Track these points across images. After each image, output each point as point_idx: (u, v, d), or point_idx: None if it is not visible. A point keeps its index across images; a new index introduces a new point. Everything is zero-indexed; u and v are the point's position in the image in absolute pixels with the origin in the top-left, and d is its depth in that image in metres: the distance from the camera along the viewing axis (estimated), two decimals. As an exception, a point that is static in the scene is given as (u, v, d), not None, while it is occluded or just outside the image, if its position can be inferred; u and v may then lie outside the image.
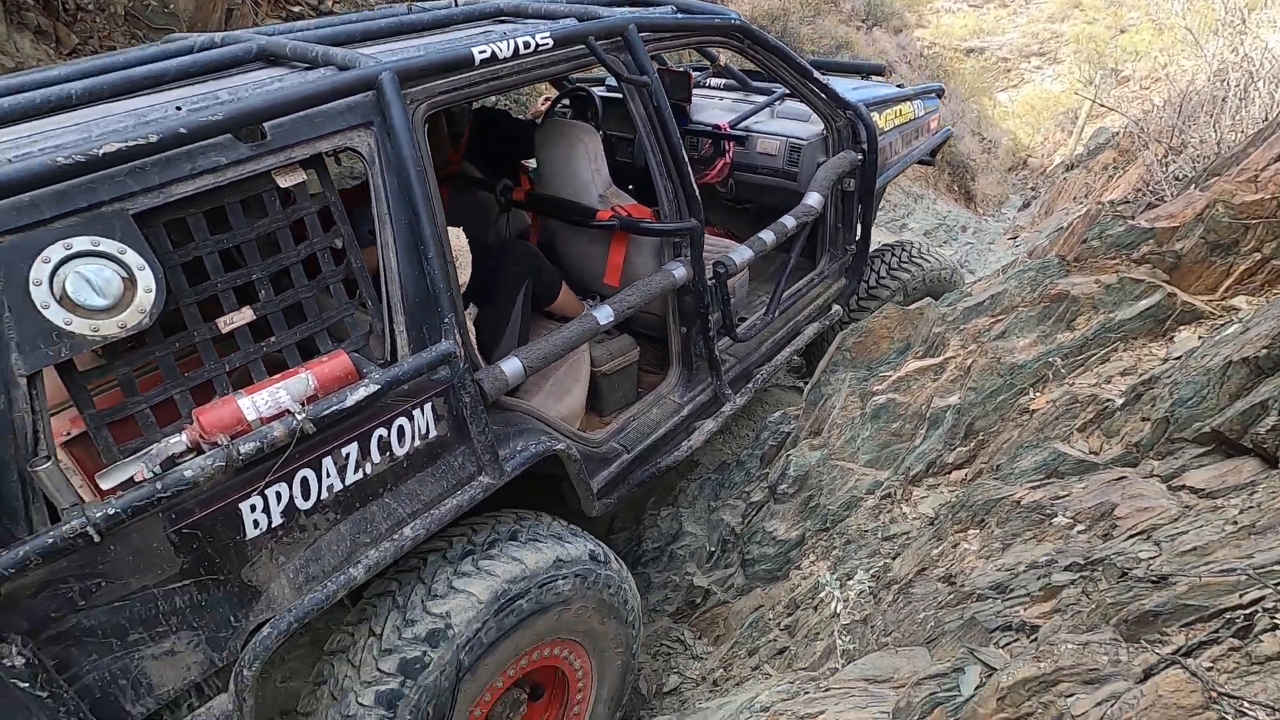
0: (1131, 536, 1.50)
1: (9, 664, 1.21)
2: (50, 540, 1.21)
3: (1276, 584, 1.16)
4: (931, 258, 3.65)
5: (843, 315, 3.30)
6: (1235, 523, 1.33)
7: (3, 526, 1.21)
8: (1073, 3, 20.43)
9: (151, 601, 1.38)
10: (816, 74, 2.81)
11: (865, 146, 3.02)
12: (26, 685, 1.22)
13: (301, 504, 1.53)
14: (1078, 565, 1.53)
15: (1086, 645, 1.27)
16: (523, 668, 1.92)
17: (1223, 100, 4.02)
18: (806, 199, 2.79)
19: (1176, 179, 3.48)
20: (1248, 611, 1.15)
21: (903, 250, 3.66)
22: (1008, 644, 1.52)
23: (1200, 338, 1.90)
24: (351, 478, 1.59)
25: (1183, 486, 1.57)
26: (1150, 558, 1.39)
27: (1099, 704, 1.18)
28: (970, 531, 1.86)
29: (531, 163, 2.87)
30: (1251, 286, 1.99)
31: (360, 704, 1.64)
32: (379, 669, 1.66)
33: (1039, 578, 1.59)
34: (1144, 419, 1.74)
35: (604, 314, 2.13)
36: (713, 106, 3.57)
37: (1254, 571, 1.19)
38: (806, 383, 2.77)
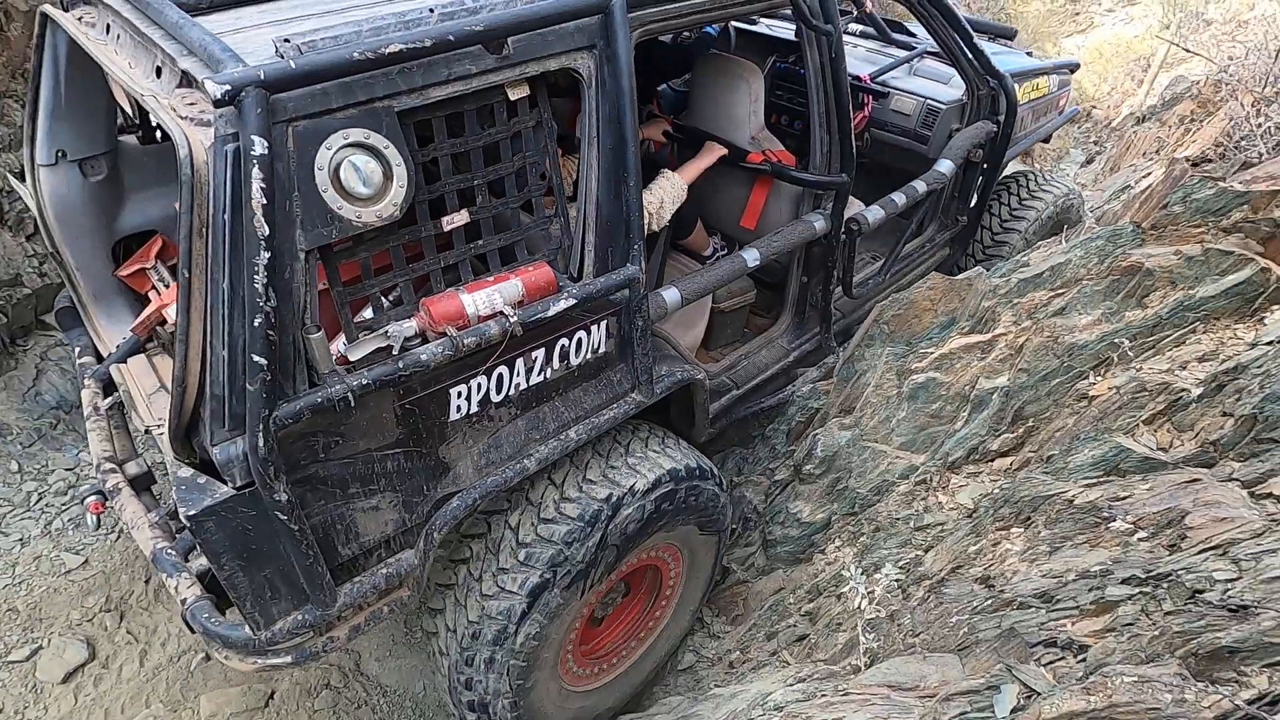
0: (1205, 550, 1.31)
1: (277, 497, 1.39)
2: (319, 399, 1.39)
3: (1389, 628, 0.98)
4: (1056, 184, 3.52)
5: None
6: (1335, 546, 1.14)
7: (280, 384, 1.36)
8: (1154, -64, 18.74)
9: (370, 463, 1.57)
10: (976, 38, 2.76)
11: (1002, 119, 2.96)
12: (284, 517, 1.42)
13: (494, 397, 1.71)
14: (1137, 579, 1.36)
15: (1146, 681, 1.11)
16: (632, 564, 2.13)
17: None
18: (939, 165, 2.77)
19: (1267, 133, 3.10)
20: (1350, 659, 0.98)
21: (1028, 180, 3.48)
22: (1051, 662, 1.36)
23: (1296, 320, 1.66)
24: (534, 379, 1.75)
25: (1269, 495, 1.37)
26: (1228, 580, 1.21)
27: (1159, 752, 1.02)
28: (1013, 530, 1.69)
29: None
30: (1362, 261, 1.73)
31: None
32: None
33: (1091, 589, 1.42)
34: (1225, 414, 1.53)
35: (752, 256, 2.21)
36: (849, 55, 3.44)
37: (1360, 610, 1.01)
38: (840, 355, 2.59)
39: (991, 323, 2.06)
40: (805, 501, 2.35)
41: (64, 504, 3.40)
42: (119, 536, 3.35)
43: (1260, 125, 2.99)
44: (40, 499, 3.41)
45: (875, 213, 2.51)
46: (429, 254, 1.53)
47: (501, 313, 1.55)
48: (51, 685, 2.78)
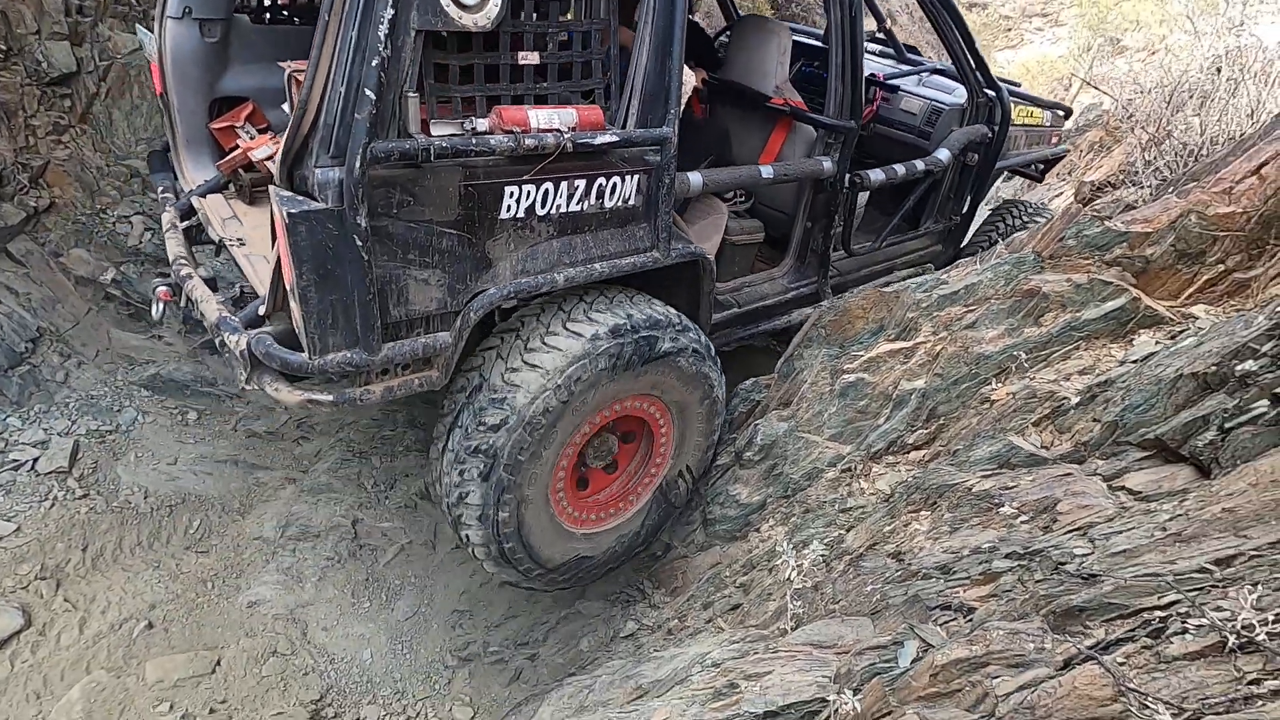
0: (1070, 532, 1.60)
1: (359, 221, 1.68)
2: (407, 145, 1.69)
3: (1191, 591, 1.27)
4: (1048, 211, 3.99)
5: (932, 266, 3.70)
6: (1164, 529, 1.43)
7: (378, 131, 1.66)
8: (1080, -37, 19.93)
9: (430, 235, 1.84)
10: (978, 47, 3.22)
11: (997, 126, 3.37)
12: (360, 244, 1.70)
13: (539, 209, 1.99)
14: (1017, 554, 1.64)
15: (1016, 633, 1.38)
16: (617, 411, 2.36)
17: (1212, 92, 4.04)
18: (937, 153, 3.19)
19: (1156, 171, 3.52)
20: (1163, 614, 1.26)
21: (1023, 207, 4.00)
22: (946, 622, 1.63)
23: (1157, 342, 1.98)
24: (573, 206, 2.04)
25: (1122, 487, 1.68)
26: (1084, 554, 1.49)
27: (1020, 688, 1.29)
28: (922, 513, 1.97)
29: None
30: (1212, 296, 2.07)
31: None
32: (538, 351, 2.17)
33: (980, 563, 1.70)
34: (1095, 420, 1.83)
35: (767, 170, 2.60)
36: (867, 63, 3.94)
37: (1174, 578, 1.30)
38: (782, 351, 2.85)
39: (914, 332, 2.33)
40: (744, 485, 2.58)
41: (-9, 471, 3.31)
42: (53, 505, 3.29)
43: (1148, 167, 3.39)
44: (-35, 465, 3.30)
45: (877, 174, 2.93)
46: (503, 80, 1.86)
47: (558, 129, 1.89)
48: (-14, 653, 2.75)
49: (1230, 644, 1.14)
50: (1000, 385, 2.10)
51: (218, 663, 2.93)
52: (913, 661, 1.54)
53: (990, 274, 2.24)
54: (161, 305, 2.37)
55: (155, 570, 3.19)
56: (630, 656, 2.66)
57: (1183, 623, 1.22)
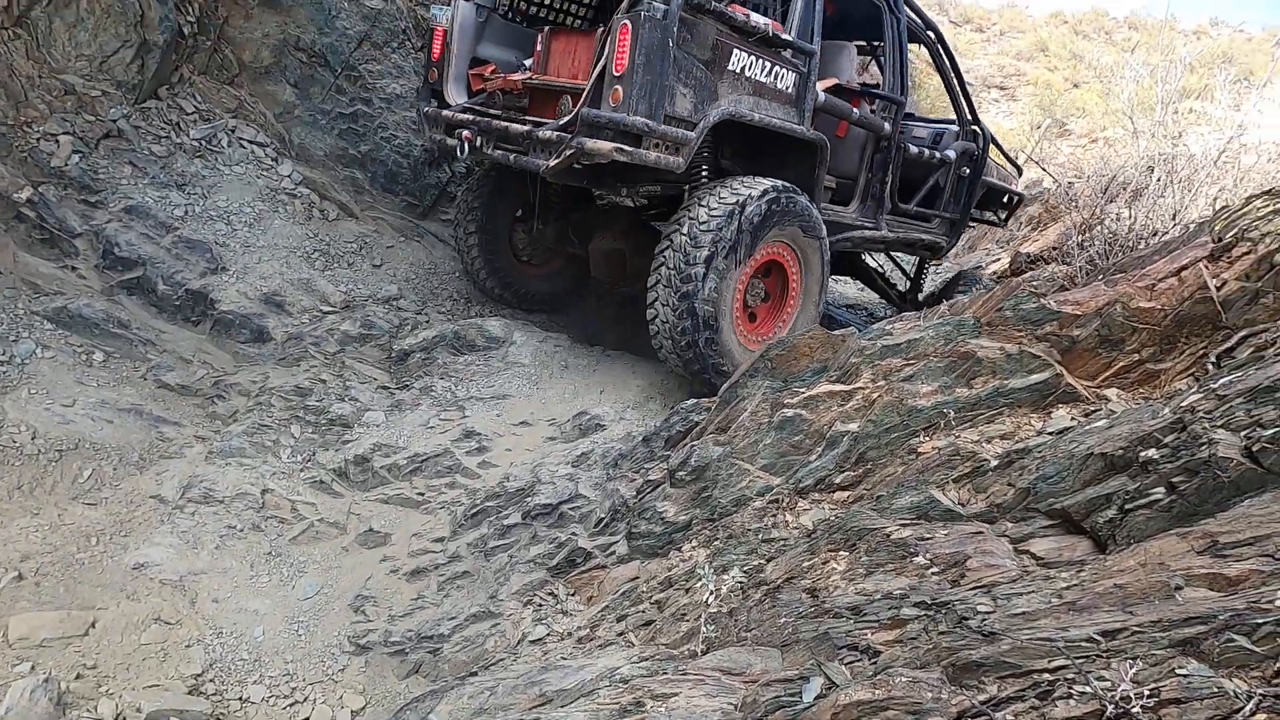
0: (976, 588, 1.69)
1: (672, 31, 3.07)
2: (698, 2, 3.21)
3: (1079, 658, 1.36)
4: (984, 281, 5.30)
5: (942, 250, 5.27)
6: (1061, 596, 1.53)
7: None
8: (1040, 45, 21.26)
9: (693, 65, 3.19)
10: (970, 92, 4.77)
11: (981, 147, 4.96)
12: (671, 46, 3.08)
13: (746, 71, 3.39)
14: (926, 604, 1.72)
15: (917, 681, 1.45)
16: (765, 254, 3.62)
17: (1142, 190, 4.38)
18: (946, 151, 4.79)
19: (1085, 253, 3.79)
20: (1052, 678, 1.35)
21: (968, 277, 5.45)
22: (852, 662, 1.69)
23: (1073, 418, 2.12)
24: (761, 77, 3.47)
25: (1027, 551, 1.78)
26: (987, 612, 1.58)
27: (916, 735, 1.35)
28: (841, 552, 2.03)
29: None
30: (1125, 381, 2.23)
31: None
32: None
33: (891, 608, 1.77)
34: (1010, 484, 1.94)
35: (855, 111, 4.00)
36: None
37: (1064, 644, 1.39)
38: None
39: (854, 377, 2.42)
40: (672, 503, 2.61)
41: None
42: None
43: (1080, 245, 3.66)
44: None
45: (912, 148, 4.46)
46: None
47: (766, 21, 3.36)
48: None
49: (1108, 712, 1.23)
50: (928, 439, 2.20)
51: (93, 624, 2.74)
52: (816, 698, 1.58)
53: (932, 332, 2.35)
54: (466, 146, 3.55)
55: (33, 518, 2.97)
56: (537, 662, 2.63)
57: (1069, 688, 1.31)
